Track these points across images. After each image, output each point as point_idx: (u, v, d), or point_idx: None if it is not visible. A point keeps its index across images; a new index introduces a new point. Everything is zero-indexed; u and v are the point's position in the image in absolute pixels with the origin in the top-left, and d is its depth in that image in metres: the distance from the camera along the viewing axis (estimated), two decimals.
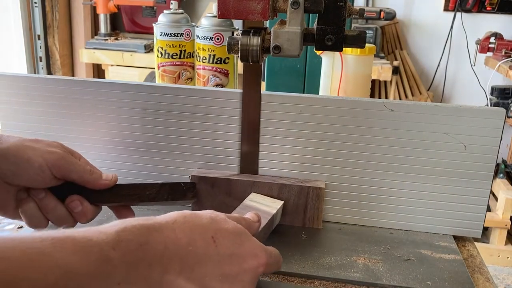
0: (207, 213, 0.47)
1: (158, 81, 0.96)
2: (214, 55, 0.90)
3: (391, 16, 2.64)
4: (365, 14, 2.52)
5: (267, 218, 0.62)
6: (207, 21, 0.90)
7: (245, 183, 0.69)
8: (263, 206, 0.65)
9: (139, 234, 0.40)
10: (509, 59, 2.45)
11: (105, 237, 0.38)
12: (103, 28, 2.65)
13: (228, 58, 0.91)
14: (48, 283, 0.33)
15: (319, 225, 0.69)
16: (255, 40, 0.59)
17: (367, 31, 0.74)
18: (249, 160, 0.71)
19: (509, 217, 2.30)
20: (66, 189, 0.59)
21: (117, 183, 0.62)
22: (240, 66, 0.72)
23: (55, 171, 0.57)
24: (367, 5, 2.85)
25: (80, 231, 0.38)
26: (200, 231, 0.44)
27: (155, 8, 2.67)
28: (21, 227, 0.64)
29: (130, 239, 0.39)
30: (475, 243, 0.70)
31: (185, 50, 0.93)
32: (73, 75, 2.78)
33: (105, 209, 0.62)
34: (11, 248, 0.33)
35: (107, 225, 0.40)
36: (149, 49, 2.52)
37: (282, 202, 0.67)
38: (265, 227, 0.60)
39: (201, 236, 0.44)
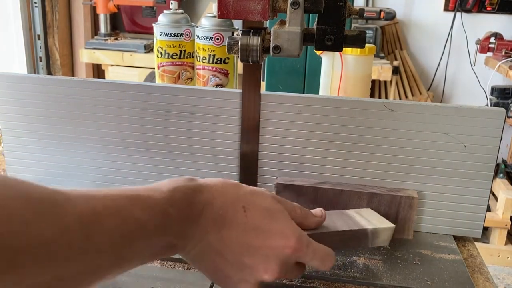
0: (252, 187, 0.50)
1: (158, 81, 0.96)
2: (214, 55, 0.90)
3: (391, 16, 2.64)
4: (365, 14, 2.53)
5: (351, 227, 0.57)
6: (207, 21, 0.90)
7: (333, 191, 0.67)
8: (362, 219, 0.60)
9: (188, 193, 0.45)
10: (509, 59, 2.45)
11: (163, 195, 0.43)
12: (103, 28, 2.65)
13: (228, 58, 0.90)
14: (125, 232, 0.39)
15: (409, 236, 0.67)
16: (255, 40, 0.59)
17: (367, 31, 0.74)
18: (248, 160, 0.71)
19: (509, 217, 2.30)
20: None
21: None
22: (240, 66, 0.72)
23: None
24: (367, 5, 2.85)
25: (144, 189, 0.43)
26: (233, 199, 0.47)
27: (155, 8, 2.67)
28: None
29: (181, 197, 0.44)
30: (475, 243, 0.70)
31: (185, 50, 0.93)
32: (73, 75, 2.78)
33: None
34: (98, 200, 0.39)
35: (161, 184, 0.45)
36: (149, 49, 2.52)
37: (393, 226, 0.60)
38: (337, 233, 0.56)
39: (232, 204, 0.47)
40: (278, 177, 0.70)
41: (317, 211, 0.55)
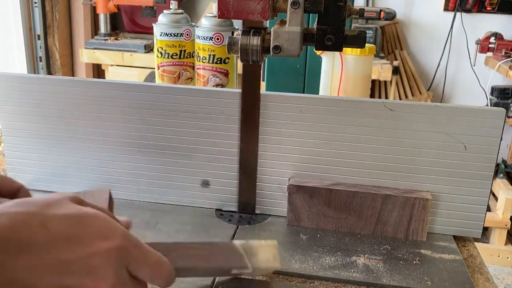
0: (44, 197, 0.41)
1: (158, 81, 0.96)
2: (214, 55, 0.90)
3: (391, 16, 2.64)
4: (365, 14, 2.53)
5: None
6: (207, 21, 0.90)
7: (346, 193, 0.67)
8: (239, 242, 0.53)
9: None
10: (509, 59, 2.45)
11: None
12: (103, 28, 2.65)
13: (228, 58, 0.90)
14: None
15: (423, 237, 0.68)
16: (255, 40, 0.59)
17: (367, 31, 0.74)
18: (248, 160, 0.71)
19: (509, 217, 2.30)
20: None
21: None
22: (240, 66, 0.72)
23: None
24: (367, 5, 2.85)
25: None
26: (25, 218, 0.38)
27: (155, 8, 2.67)
28: None
29: None
30: (475, 243, 0.70)
31: (185, 50, 0.93)
32: (73, 75, 2.78)
33: None
34: None
35: None
36: (149, 49, 2.52)
37: (273, 243, 0.55)
38: (193, 245, 0.51)
39: (25, 224, 0.37)
40: (291, 179, 0.70)
41: (123, 219, 0.47)
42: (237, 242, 0.52)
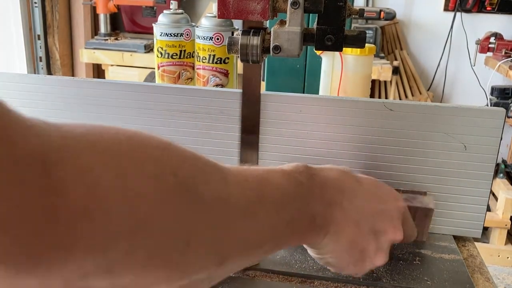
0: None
1: (158, 81, 0.96)
2: (214, 55, 0.90)
3: (391, 16, 2.64)
4: (365, 14, 2.53)
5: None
6: (207, 21, 0.90)
7: None
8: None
9: (306, 168, 0.44)
10: (509, 59, 2.45)
11: (291, 168, 0.43)
12: (103, 28, 2.65)
13: (228, 58, 0.90)
14: (273, 199, 0.39)
15: (423, 238, 0.67)
16: (255, 40, 0.59)
17: (367, 31, 0.74)
18: (248, 160, 0.71)
19: (509, 217, 2.30)
20: None
21: None
22: (240, 66, 0.72)
23: None
24: (367, 5, 2.85)
25: (269, 168, 0.43)
26: (345, 174, 0.48)
27: (155, 8, 2.67)
28: None
29: (303, 170, 0.44)
30: (475, 243, 0.70)
31: (185, 50, 0.93)
32: (73, 75, 2.78)
33: None
34: (244, 176, 0.39)
35: (278, 167, 0.44)
36: (149, 49, 2.52)
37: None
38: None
39: (345, 177, 0.47)
40: None
41: None
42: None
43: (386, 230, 0.48)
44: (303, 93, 0.90)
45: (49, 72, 2.68)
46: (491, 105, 2.36)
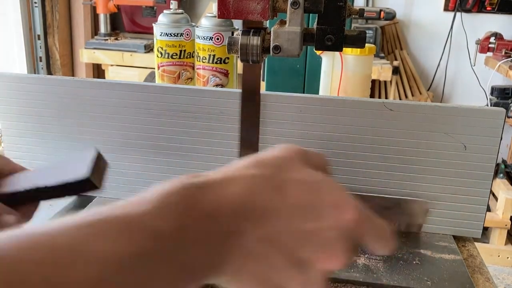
0: (271, 154, 0.38)
1: (158, 81, 0.96)
2: (214, 55, 0.90)
3: (391, 16, 2.64)
4: (365, 14, 2.53)
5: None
6: (207, 21, 0.90)
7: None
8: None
9: (187, 192, 0.32)
10: (509, 59, 2.45)
11: (144, 207, 0.29)
12: (103, 28, 2.65)
13: (228, 58, 0.90)
14: (93, 280, 0.26)
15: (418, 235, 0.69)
16: (255, 40, 0.59)
17: (367, 31, 0.74)
18: None
19: (509, 217, 2.30)
20: None
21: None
22: (240, 66, 0.72)
23: None
24: (367, 5, 2.85)
25: (118, 206, 0.30)
26: (261, 182, 0.34)
27: (155, 8, 2.67)
28: None
29: (180, 201, 0.31)
30: (475, 243, 0.70)
31: (185, 50, 0.93)
32: (73, 75, 2.78)
33: None
34: (40, 245, 0.26)
35: (142, 195, 0.31)
36: (149, 49, 2.52)
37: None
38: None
39: (260, 189, 0.34)
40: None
41: None
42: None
43: (316, 259, 0.35)
44: (303, 93, 0.90)
45: (49, 72, 2.68)
46: (491, 105, 2.36)
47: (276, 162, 0.36)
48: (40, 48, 2.64)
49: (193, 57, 0.94)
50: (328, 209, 0.35)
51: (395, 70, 2.60)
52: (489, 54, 2.60)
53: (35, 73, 2.62)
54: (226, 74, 0.91)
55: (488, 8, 2.76)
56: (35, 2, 2.55)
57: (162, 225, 0.29)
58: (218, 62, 0.90)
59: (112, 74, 2.56)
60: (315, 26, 0.60)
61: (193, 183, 0.32)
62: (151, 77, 1.57)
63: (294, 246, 0.34)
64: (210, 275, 0.32)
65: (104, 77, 2.67)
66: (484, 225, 0.69)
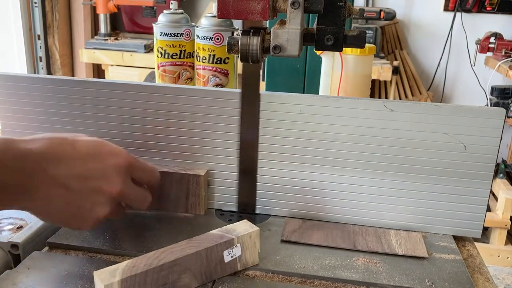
0: (71, 134, 0.58)
1: (158, 81, 0.96)
2: (214, 55, 0.90)
3: (391, 16, 2.64)
4: (365, 14, 2.53)
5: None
6: (207, 21, 0.90)
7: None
8: None
9: (3, 143, 0.51)
10: (509, 59, 2.45)
11: None
12: (103, 28, 2.65)
13: (228, 58, 0.90)
14: None
15: (201, 212, 0.72)
16: (255, 40, 0.59)
17: (367, 31, 0.74)
18: (248, 160, 0.71)
19: (509, 217, 2.30)
20: None
21: None
22: (240, 66, 0.72)
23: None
24: (367, 5, 2.85)
25: None
26: (59, 141, 0.55)
27: (155, 8, 2.67)
28: (21, 227, 0.64)
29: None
30: (475, 243, 0.70)
31: (185, 50, 0.93)
32: (73, 75, 2.78)
33: None
34: None
35: None
36: (149, 49, 2.52)
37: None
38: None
39: (59, 143, 0.54)
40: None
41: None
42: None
43: (99, 186, 0.55)
44: (303, 93, 0.90)
45: (49, 72, 2.68)
46: (491, 105, 2.36)
47: (72, 134, 0.58)
48: (40, 48, 2.64)
49: (193, 57, 0.94)
50: (107, 155, 0.56)
51: (395, 70, 2.60)
52: (489, 54, 2.60)
53: (35, 73, 2.62)
54: (226, 74, 0.91)
55: (488, 8, 2.76)
56: (35, 2, 2.55)
57: None
58: (218, 62, 0.90)
59: (112, 74, 2.56)
60: (315, 26, 0.60)
61: (9, 138, 0.52)
62: (151, 77, 1.57)
63: (85, 178, 0.54)
64: (25, 198, 0.51)
65: (104, 77, 2.67)
66: (484, 225, 0.69)
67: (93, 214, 0.55)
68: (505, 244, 2.34)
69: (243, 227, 0.59)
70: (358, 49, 0.89)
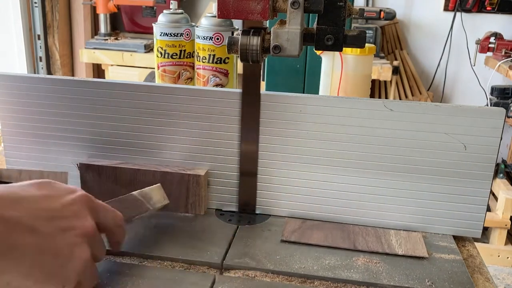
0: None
1: (158, 81, 0.96)
2: (214, 55, 0.90)
3: (391, 16, 2.64)
4: (365, 14, 2.53)
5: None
6: (207, 21, 0.90)
7: (130, 170, 0.71)
8: (136, 193, 0.65)
9: None
10: (509, 59, 2.45)
11: None
12: (103, 28, 2.65)
13: (228, 58, 0.90)
14: None
15: (201, 212, 0.71)
16: (255, 40, 0.59)
17: (367, 31, 0.74)
18: (249, 160, 0.71)
19: (509, 217, 2.30)
20: None
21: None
22: (240, 66, 0.72)
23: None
24: (367, 5, 2.85)
25: None
26: (6, 186, 0.46)
27: (155, 8, 2.67)
28: None
29: None
30: (475, 243, 0.70)
31: (185, 50, 0.93)
32: (73, 75, 2.78)
33: None
34: None
35: None
36: (149, 49, 2.52)
37: (158, 185, 0.68)
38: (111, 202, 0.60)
39: (4, 186, 0.45)
40: (84, 159, 0.74)
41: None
42: (135, 193, 0.64)
43: (72, 225, 0.46)
44: (303, 93, 0.90)
45: (49, 72, 2.68)
46: (491, 105, 2.36)
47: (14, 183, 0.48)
48: (40, 48, 2.64)
49: (193, 57, 0.94)
50: (64, 193, 0.48)
51: (395, 70, 2.60)
52: (489, 54, 2.60)
53: (35, 73, 2.61)
54: (226, 74, 0.91)
55: (488, 8, 2.76)
56: (35, 2, 2.55)
57: None
58: (218, 62, 0.90)
59: (112, 74, 2.56)
60: (315, 26, 0.60)
61: None
62: (151, 77, 1.57)
63: (53, 219, 0.45)
64: None
65: (104, 77, 2.67)
66: (484, 225, 0.69)
67: (74, 261, 0.45)
68: (505, 244, 2.34)
69: (158, 197, 0.65)
70: (358, 49, 0.89)
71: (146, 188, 0.66)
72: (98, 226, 0.50)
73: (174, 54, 0.92)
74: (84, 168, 0.72)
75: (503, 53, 2.49)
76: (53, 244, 0.44)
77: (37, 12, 2.57)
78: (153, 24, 0.94)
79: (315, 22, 0.60)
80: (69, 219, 0.46)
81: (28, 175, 0.66)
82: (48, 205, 0.45)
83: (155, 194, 0.66)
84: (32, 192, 0.46)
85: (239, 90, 0.69)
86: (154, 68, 0.98)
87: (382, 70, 2.40)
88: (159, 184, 0.68)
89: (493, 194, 2.41)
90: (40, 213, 0.44)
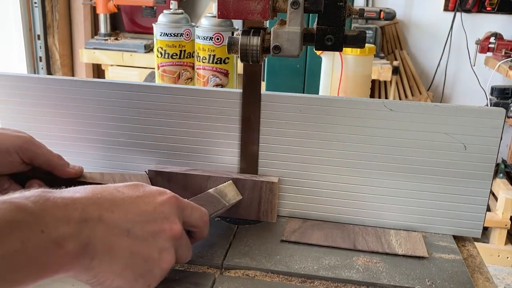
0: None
1: (158, 81, 0.96)
2: (214, 55, 0.90)
3: (391, 16, 2.64)
4: (365, 14, 2.53)
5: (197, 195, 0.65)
6: (207, 21, 0.90)
7: (201, 177, 0.70)
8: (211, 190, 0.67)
9: (38, 193, 0.42)
10: (509, 59, 2.45)
11: (16, 195, 0.41)
12: (103, 28, 2.65)
13: (228, 58, 0.90)
14: None
15: (273, 219, 0.70)
16: (255, 40, 0.59)
17: (367, 31, 0.74)
18: (249, 160, 0.71)
19: (509, 217, 2.30)
20: (31, 177, 0.60)
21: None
22: (240, 66, 0.72)
23: (22, 154, 0.59)
24: (367, 5, 2.85)
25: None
26: (101, 187, 0.47)
27: (155, 8, 2.67)
28: None
29: (33, 195, 0.41)
30: (475, 243, 0.70)
31: (185, 50, 0.93)
32: (73, 75, 2.78)
33: None
34: None
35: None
36: (149, 49, 2.52)
37: (230, 182, 0.69)
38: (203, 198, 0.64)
39: (102, 188, 0.47)
40: (153, 165, 0.73)
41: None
42: (210, 190, 0.66)
43: (162, 228, 0.47)
44: (303, 93, 0.90)
45: (49, 72, 2.68)
46: (491, 105, 2.36)
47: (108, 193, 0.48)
48: (40, 48, 2.64)
49: (193, 57, 0.94)
50: (154, 194, 0.49)
51: (395, 70, 2.60)
52: (489, 54, 2.60)
53: (35, 73, 2.62)
54: (226, 74, 0.91)
55: (488, 8, 2.76)
56: (35, 2, 2.55)
57: (28, 203, 0.39)
58: (218, 62, 0.90)
59: (112, 74, 2.56)
60: (315, 26, 0.60)
61: (44, 189, 0.43)
62: (151, 77, 1.57)
63: (145, 221, 0.46)
64: (82, 255, 0.41)
65: (104, 77, 2.67)
66: (484, 225, 0.69)
67: (161, 264, 0.47)
68: (505, 244, 2.34)
69: (232, 193, 0.68)
70: (358, 49, 0.89)
71: (220, 185, 0.68)
72: (185, 224, 0.52)
73: (174, 54, 0.92)
74: (154, 174, 0.71)
75: (503, 53, 2.49)
76: (145, 248, 0.46)
77: (37, 12, 2.57)
78: (153, 24, 0.94)
79: (315, 22, 0.60)
80: (159, 222, 0.47)
81: (111, 177, 0.67)
82: (142, 207, 0.47)
83: (229, 191, 0.68)
84: (129, 194, 0.48)
85: (239, 90, 0.69)
86: (154, 68, 0.98)
87: (382, 70, 2.40)
88: (230, 181, 0.69)
89: (493, 194, 2.41)
90: (135, 218, 0.46)
